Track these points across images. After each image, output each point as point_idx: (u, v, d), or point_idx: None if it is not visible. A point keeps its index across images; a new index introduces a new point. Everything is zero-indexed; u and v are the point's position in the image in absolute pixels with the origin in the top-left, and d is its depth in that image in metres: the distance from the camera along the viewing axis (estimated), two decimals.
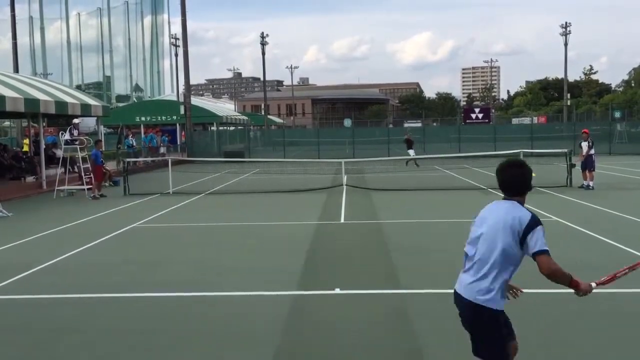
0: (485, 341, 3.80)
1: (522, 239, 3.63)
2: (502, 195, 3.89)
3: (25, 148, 28.68)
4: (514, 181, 3.84)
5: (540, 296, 7.10)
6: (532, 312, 6.46)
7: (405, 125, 73.30)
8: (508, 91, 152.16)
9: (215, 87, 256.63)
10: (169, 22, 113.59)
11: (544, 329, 5.95)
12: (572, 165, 19.01)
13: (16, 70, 35.96)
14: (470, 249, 3.87)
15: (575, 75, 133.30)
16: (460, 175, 23.95)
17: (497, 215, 3.76)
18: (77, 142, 20.31)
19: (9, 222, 14.20)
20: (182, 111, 41.76)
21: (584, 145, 18.87)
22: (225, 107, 69.82)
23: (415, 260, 9.22)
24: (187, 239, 11.61)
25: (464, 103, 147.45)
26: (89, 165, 19.77)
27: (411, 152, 31.55)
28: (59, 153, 22.56)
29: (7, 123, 54.75)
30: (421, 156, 32.88)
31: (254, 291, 7.58)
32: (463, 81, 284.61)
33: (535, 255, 3.60)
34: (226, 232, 12.32)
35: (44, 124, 27.28)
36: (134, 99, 76.97)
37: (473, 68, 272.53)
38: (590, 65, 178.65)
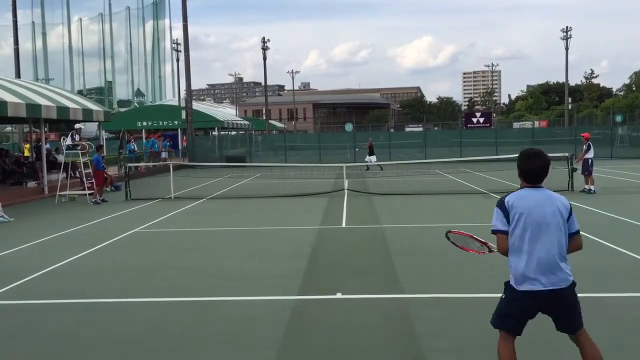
0: (578, 306, 4.26)
1: (567, 219, 4.19)
2: (521, 184, 4.30)
3: (27, 153, 28.75)
4: (545, 171, 4.24)
5: None
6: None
7: (407, 129, 73.44)
8: (509, 95, 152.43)
9: (216, 92, 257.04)
10: (170, 28, 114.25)
11: (542, 333, 5.92)
12: (574, 169, 19.00)
13: (18, 75, 36.02)
14: (542, 238, 4.11)
15: (576, 79, 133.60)
16: (462, 179, 23.93)
17: (549, 203, 4.16)
18: (78, 148, 20.35)
19: (10, 227, 14.21)
20: (183, 116, 41.80)
21: (584, 148, 18.95)
22: (226, 112, 69.98)
23: (417, 264, 9.20)
24: (188, 243, 11.60)
25: (465, 107, 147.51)
26: (90, 171, 19.81)
27: (373, 157, 31.29)
28: (61, 158, 22.60)
29: (8, 128, 54.84)
30: (422, 160, 32.90)
31: (256, 296, 7.58)
32: (464, 85, 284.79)
33: (577, 232, 4.25)
34: (227, 237, 12.32)
35: (46, 129, 27.34)
36: (136, 104, 77.18)
37: (474, 72, 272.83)
38: (591, 69, 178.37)
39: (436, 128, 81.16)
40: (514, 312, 4.23)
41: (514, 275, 4.20)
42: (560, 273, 4.11)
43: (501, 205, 4.19)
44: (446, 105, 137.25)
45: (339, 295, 7.42)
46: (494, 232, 4.23)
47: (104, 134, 34.64)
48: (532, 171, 4.20)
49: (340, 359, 5.46)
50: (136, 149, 35.82)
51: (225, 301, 7.43)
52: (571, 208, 4.24)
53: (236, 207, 17.23)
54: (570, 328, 4.28)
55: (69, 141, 20.71)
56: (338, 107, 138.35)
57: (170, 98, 70.92)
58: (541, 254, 4.09)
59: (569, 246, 4.22)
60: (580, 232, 4.33)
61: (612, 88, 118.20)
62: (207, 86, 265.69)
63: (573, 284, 4.19)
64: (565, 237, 4.17)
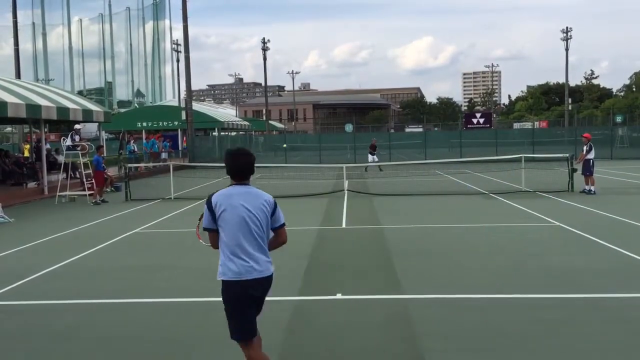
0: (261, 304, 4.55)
1: (272, 215, 4.46)
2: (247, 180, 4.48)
3: (27, 154, 28.73)
4: (249, 168, 4.45)
5: (539, 300, 7.09)
6: (530, 317, 6.45)
7: (407, 130, 73.45)
8: (509, 96, 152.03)
9: (216, 93, 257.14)
10: (170, 28, 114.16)
11: (543, 333, 5.93)
12: (574, 170, 19.00)
13: (18, 76, 36.02)
14: (244, 232, 4.35)
15: (576, 79, 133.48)
16: (462, 180, 23.93)
17: (253, 200, 4.38)
18: (78, 148, 20.35)
19: (10, 228, 14.21)
20: (183, 116, 41.84)
21: (585, 149, 18.94)
22: (226, 113, 69.98)
23: (417, 265, 9.20)
24: (188, 244, 11.57)
25: (465, 108, 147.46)
26: (90, 171, 19.81)
27: (375, 157, 31.58)
28: (60, 159, 22.60)
29: (9, 129, 54.87)
30: (422, 161, 32.92)
31: None
32: (464, 86, 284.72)
33: (282, 226, 4.55)
34: None
35: (46, 130, 27.34)
36: (136, 104, 77.14)
37: (474, 73, 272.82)
38: (592, 70, 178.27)
39: (436, 129, 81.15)
40: (233, 305, 4.45)
41: (221, 266, 4.42)
42: (256, 264, 4.40)
43: (209, 204, 4.41)
44: (446, 105, 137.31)
45: (339, 296, 7.42)
46: (205, 229, 4.51)
47: (104, 135, 34.58)
48: (238, 168, 4.42)
49: (340, 359, 5.45)
50: (136, 150, 35.83)
51: None
52: (275, 204, 4.51)
53: None
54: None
55: (69, 142, 20.70)
56: (338, 107, 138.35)
57: (170, 99, 70.89)
58: (241, 245, 4.35)
59: (273, 239, 4.58)
60: (286, 226, 4.61)
61: (612, 89, 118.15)
62: (207, 87, 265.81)
63: (269, 276, 4.49)
64: (266, 231, 4.46)
